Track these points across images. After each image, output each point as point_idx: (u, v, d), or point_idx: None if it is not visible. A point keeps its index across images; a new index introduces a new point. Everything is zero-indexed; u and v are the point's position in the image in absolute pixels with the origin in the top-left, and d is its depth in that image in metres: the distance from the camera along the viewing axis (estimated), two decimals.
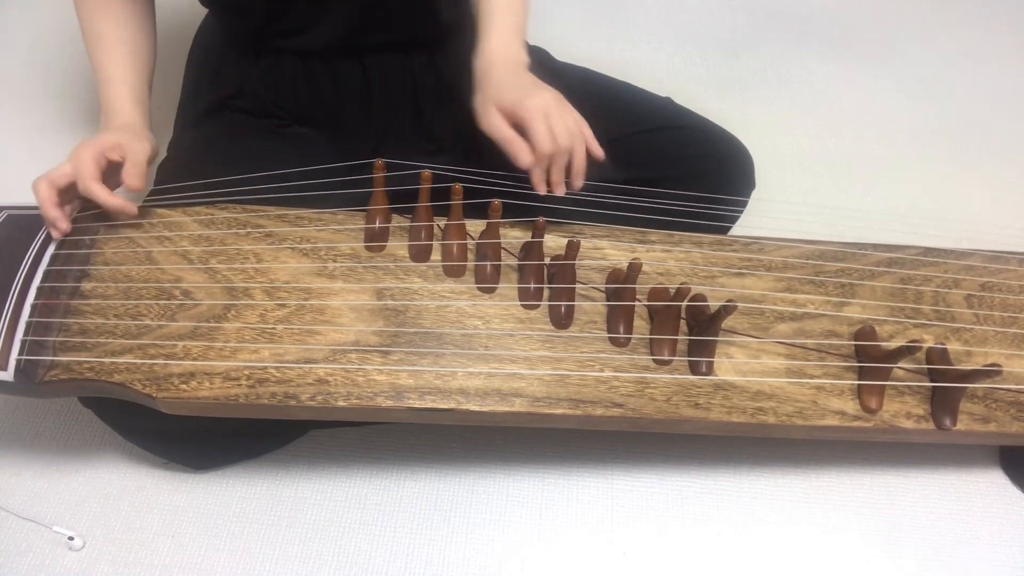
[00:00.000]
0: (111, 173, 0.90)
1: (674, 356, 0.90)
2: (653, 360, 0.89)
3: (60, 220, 0.88)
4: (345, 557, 1.03)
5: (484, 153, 1.04)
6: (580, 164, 0.88)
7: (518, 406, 0.84)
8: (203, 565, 1.02)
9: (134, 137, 0.92)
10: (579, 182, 0.89)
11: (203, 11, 1.10)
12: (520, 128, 0.87)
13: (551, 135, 0.85)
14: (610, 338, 0.90)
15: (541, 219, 0.88)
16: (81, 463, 1.11)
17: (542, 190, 0.89)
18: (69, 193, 0.89)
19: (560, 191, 0.89)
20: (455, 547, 1.04)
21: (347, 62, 1.04)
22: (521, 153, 0.86)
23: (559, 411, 0.85)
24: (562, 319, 0.90)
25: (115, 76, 0.98)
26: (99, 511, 1.06)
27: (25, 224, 0.91)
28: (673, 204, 0.98)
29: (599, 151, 0.90)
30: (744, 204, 1.15)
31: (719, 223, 1.10)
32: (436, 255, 0.93)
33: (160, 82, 1.05)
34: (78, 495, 1.08)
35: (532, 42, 1.19)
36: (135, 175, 0.89)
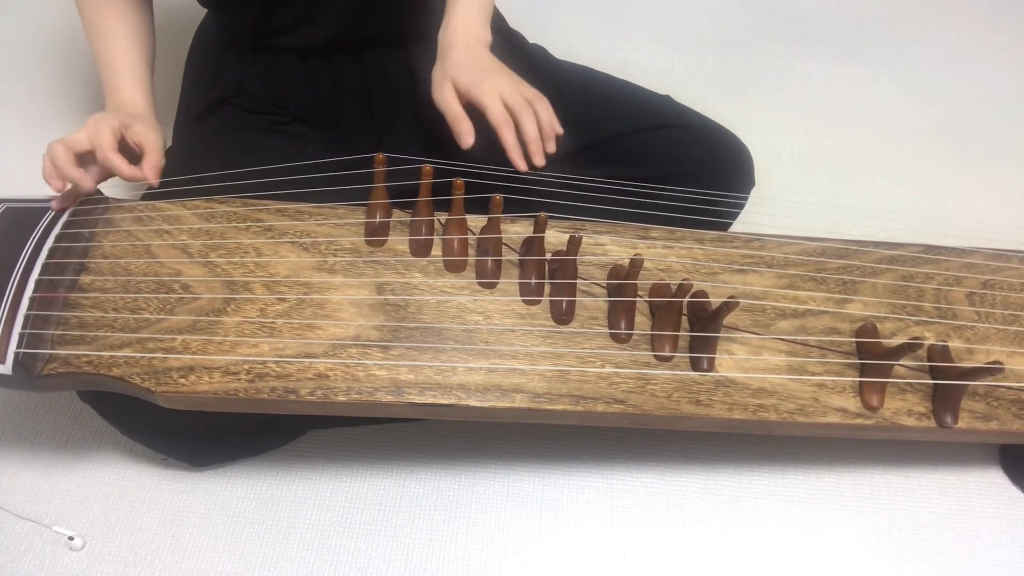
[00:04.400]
0: (123, 151, 0.91)
1: (675, 352, 0.89)
2: (654, 356, 0.89)
3: (84, 179, 0.89)
4: (345, 557, 1.03)
5: (484, 152, 1.04)
6: (547, 123, 0.88)
7: (519, 402, 0.84)
8: (203, 565, 1.02)
9: (148, 126, 0.94)
10: (551, 145, 0.89)
11: (203, 11, 1.10)
12: (473, 109, 0.88)
13: (506, 106, 0.87)
14: (611, 334, 0.90)
15: (543, 214, 0.88)
16: (81, 462, 1.10)
17: (521, 164, 0.88)
18: (82, 162, 0.90)
19: (539, 159, 0.88)
20: (455, 547, 1.04)
21: (345, 59, 1.04)
22: (465, 134, 0.87)
23: (560, 407, 0.84)
24: (563, 315, 0.90)
25: (122, 69, 1.00)
26: (99, 511, 1.06)
27: (24, 217, 0.91)
28: (672, 202, 0.98)
29: (558, 127, 0.90)
30: (743, 202, 1.14)
31: (718, 220, 1.09)
32: (437, 250, 0.93)
33: (160, 81, 1.05)
34: (78, 495, 1.07)
35: (532, 41, 1.19)
36: (154, 166, 0.92)
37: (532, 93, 0.90)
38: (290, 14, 0.98)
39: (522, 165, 0.88)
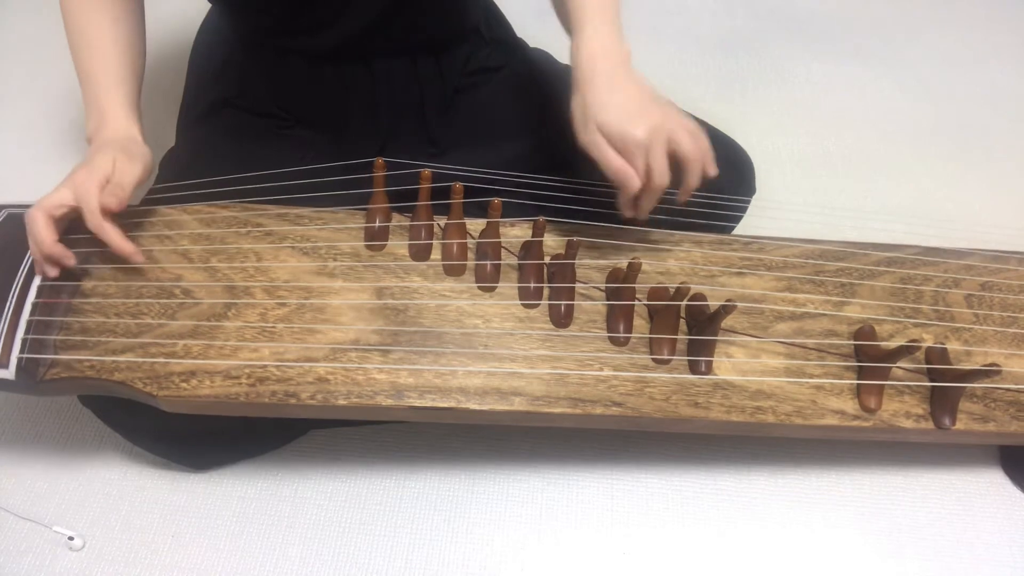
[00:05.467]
0: None
1: (673, 355, 0.90)
2: (652, 359, 0.89)
3: (67, 257, 0.83)
4: (345, 557, 1.03)
5: (486, 157, 1.04)
6: (692, 184, 0.85)
7: (518, 405, 0.84)
8: (203, 565, 1.02)
9: (128, 157, 0.87)
10: (684, 198, 0.87)
11: (205, 8, 1.09)
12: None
13: (644, 175, 0.82)
14: (610, 337, 0.90)
15: (541, 218, 0.88)
16: (81, 463, 1.11)
17: (628, 213, 0.87)
18: (64, 222, 0.85)
19: (644, 216, 0.87)
20: (455, 547, 1.04)
21: (355, 65, 1.03)
22: (630, 181, 0.82)
23: (558, 410, 0.85)
24: (562, 318, 0.90)
25: (105, 79, 0.93)
26: (99, 511, 1.06)
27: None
28: (671, 206, 0.98)
29: (713, 169, 0.86)
30: (744, 210, 1.14)
31: (717, 228, 1.09)
32: (436, 254, 0.94)
33: (161, 80, 1.05)
34: (78, 495, 1.08)
35: (533, 44, 1.20)
36: (114, 195, 0.82)
37: (688, 139, 0.83)
38: (305, 20, 0.97)
39: (628, 213, 0.87)
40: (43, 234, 0.81)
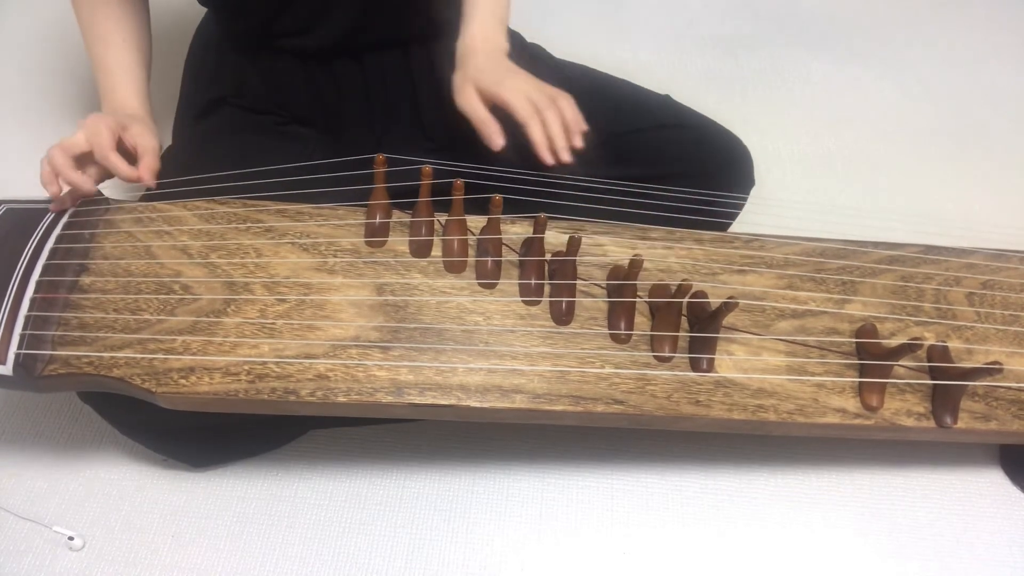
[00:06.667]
0: (120, 152, 0.91)
1: (675, 353, 0.89)
2: (654, 357, 0.89)
3: (85, 182, 0.90)
4: (345, 557, 1.03)
5: (484, 149, 1.04)
6: (572, 119, 0.89)
7: (519, 403, 0.84)
8: (203, 565, 1.02)
9: (145, 128, 0.94)
10: (577, 139, 0.89)
11: (202, 10, 1.09)
12: (498, 110, 0.89)
13: (531, 102, 0.88)
14: (611, 335, 0.90)
15: (542, 215, 0.88)
16: (81, 463, 1.11)
17: (548, 159, 0.88)
18: (81, 164, 0.90)
19: (566, 156, 0.88)
20: (455, 547, 1.04)
21: (345, 62, 1.04)
22: (494, 135, 0.88)
23: (559, 408, 0.84)
24: (563, 315, 0.90)
25: (118, 73, 1.00)
26: (99, 511, 1.06)
27: (24, 218, 0.91)
28: (671, 201, 0.98)
29: (579, 141, 0.89)
30: (743, 202, 1.14)
31: (717, 220, 1.09)
32: (437, 251, 0.93)
33: (159, 81, 1.05)
34: (78, 495, 1.08)
35: (531, 40, 1.19)
36: (150, 168, 0.91)
37: (555, 91, 0.91)
38: (292, 19, 0.98)
39: (549, 159, 0.88)
40: (58, 161, 0.88)
